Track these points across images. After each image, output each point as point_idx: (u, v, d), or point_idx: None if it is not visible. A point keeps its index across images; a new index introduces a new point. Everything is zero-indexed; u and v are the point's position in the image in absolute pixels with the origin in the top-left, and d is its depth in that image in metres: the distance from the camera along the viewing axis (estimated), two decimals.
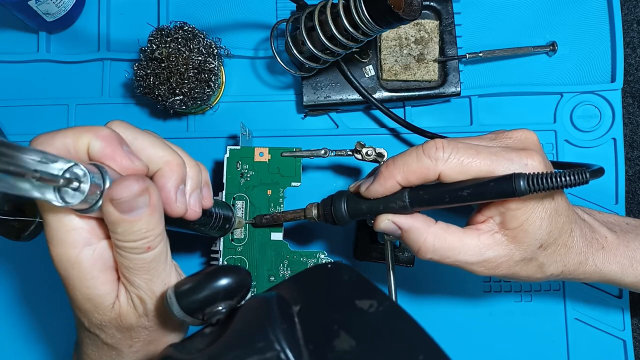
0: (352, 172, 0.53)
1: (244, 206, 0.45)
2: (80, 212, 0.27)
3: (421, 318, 0.54)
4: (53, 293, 0.52)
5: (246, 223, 0.44)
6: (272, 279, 0.45)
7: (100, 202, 0.27)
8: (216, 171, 0.53)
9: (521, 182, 0.31)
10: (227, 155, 0.45)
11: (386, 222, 0.36)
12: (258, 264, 0.45)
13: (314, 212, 0.40)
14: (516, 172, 0.31)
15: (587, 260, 0.37)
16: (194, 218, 0.33)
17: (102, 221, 0.28)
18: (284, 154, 0.45)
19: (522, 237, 0.34)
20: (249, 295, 0.29)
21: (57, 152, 0.27)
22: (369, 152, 0.44)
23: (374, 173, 0.36)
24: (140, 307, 0.30)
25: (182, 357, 0.25)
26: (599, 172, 0.32)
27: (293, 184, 0.45)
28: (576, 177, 0.30)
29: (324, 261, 0.45)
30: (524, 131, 0.35)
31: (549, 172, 0.31)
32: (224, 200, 0.45)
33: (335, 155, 0.45)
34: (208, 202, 0.35)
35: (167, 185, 0.30)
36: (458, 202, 0.33)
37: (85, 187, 0.26)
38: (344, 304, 0.26)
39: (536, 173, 0.31)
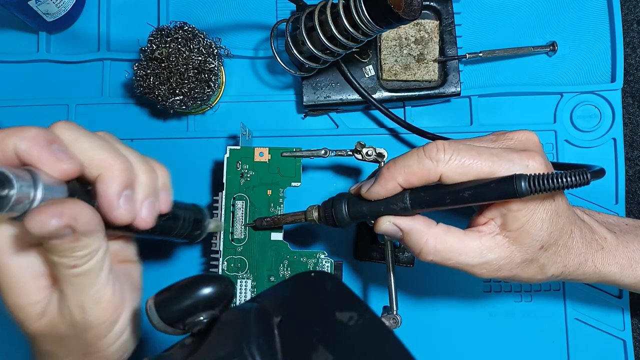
0: (352, 172, 0.53)
1: (244, 206, 0.45)
2: (12, 219, 0.26)
3: (421, 318, 0.54)
4: None
5: (246, 225, 0.44)
6: (272, 279, 0.45)
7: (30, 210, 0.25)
8: (216, 171, 0.53)
9: (522, 183, 0.31)
10: (227, 155, 0.45)
11: (387, 224, 0.36)
12: (258, 264, 0.45)
13: (315, 214, 0.40)
14: (517, 173, 0.32)
15: (587, 261, 0.38)
16: (144, 227, 0.32)
17: None
18: (284, 154, 0.45)
19: (523, 239, 0.34)
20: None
21: None
22: (369, 152, 0.44)
23: (375, 175, 0.36)
24: (67, 318, 0.30)
25: None
26: (600, 172, 0.32)
27: (293, 184, 0.45)
28: (577, 178, 0.30)
29: (324, 261, 0.45)
30: (525, 132, 0.35)
31: (550, 173, 0.31)
32: (220, 213, 0.44)
33: (335, 155, 0.45)
34: (164, 207, 0.34)
35: (108, 192, 0.29)
36: (459, 203, 0.33)
37: (12, 195, 0.25)
38: (324, 315, 0.25)
39: (537, 174, 0.31)
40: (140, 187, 0.31)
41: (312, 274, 0.27)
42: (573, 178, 0.30)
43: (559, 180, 0.30)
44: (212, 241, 0.46)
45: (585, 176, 0.30)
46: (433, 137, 0.49)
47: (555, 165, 0.43)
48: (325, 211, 0.39)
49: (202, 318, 0.27)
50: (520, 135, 0.35)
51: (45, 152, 0.27)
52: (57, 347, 0.31)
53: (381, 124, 0.53)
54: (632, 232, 0.40)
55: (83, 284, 0.29)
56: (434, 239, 0.35)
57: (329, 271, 0.45)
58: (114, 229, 0.32)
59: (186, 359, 0.25)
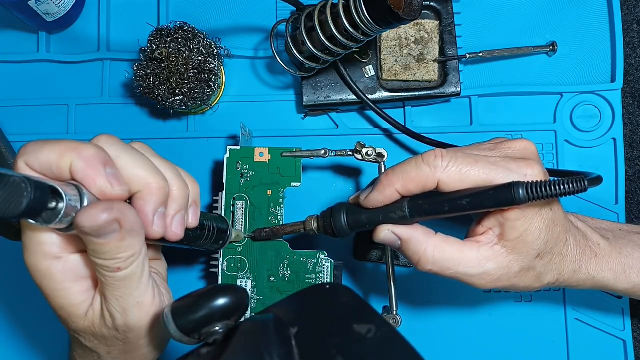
0: (352, 173, 0.53)
1: (244, 206, 0.45)
2: (59, 230, 0.28)
3: (421, 318, 0.54)
4: None
5: (246, 237, 0.45)
6: (272, 279, 0.45)
7: None
8: (216, 171, 0.53)
9: (520, 191, 0.31)
10: (227, 155, 0.45)
11: (386, 232, 0.36)
12: (258, 264, 0.45)
13: (314, 224, 0.40)
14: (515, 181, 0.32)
15: (581, 269, 0.38)
16: (174, 240, 0.33)
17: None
18: (284, 154, 0.45)
19: (520, 248, 0.34)
20: (248, 313, 0.29)
21: (41, 167, 0.27)
22: (369, 153, 0.44)
23: (373, 183, 0.36)
24: (110, 321, 0.31)
25: None
26: (597, 180, 0.32)
27: (293, 184, 0.45)
28: (575, 185, 0.30)
29: (324, 261, 0.45)
30: (523, 141, 0.36)
31: (547, 180, 0.31)
32: (219, 213, 0.45)
33: (335, 155, 0.45)
34: (193, 222, 0.35)
35: (145, 209, 0.30)
36: (458, 211, 0.33)
37: (61, 208, 0.26)
38: (341, 327, 0.25)
39: (535, 181, 0.31)
40: (172, 203, 0.32)
41: (327, 286, 0.28)
42: (570, 185, 0.30)
43: (557, 187, 0.30)
44: None
45: (582, 183, 0.30)
46: (430, 142, 0.49)
47: (553, 172, 0.43)
48: (324, 221, 0.39)
49: (217, 328, 0.27)
50: (518, 144, 0.35)
51: (100, 175, 0.27)
52: (98, 344, 0.32)
53: (381, 124, 0.53)
54: (625, 238, 0.40)
55: (126, 288, 0.30)
56: (432, 248, 0.35)
57: (329, 271, 0.45)
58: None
59: None
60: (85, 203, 0.27)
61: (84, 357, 0.34)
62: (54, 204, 0.26)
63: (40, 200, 0.25)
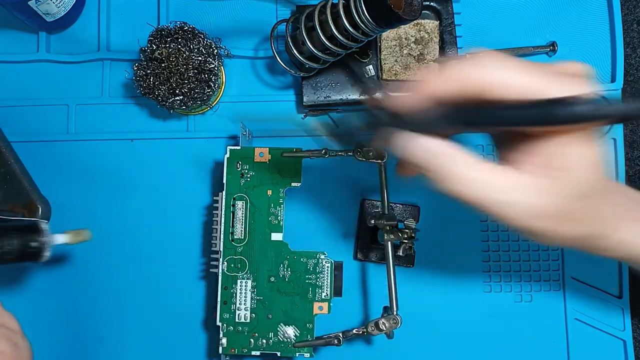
0: (352, 173, 0.53)
1: (244, 206, 0.45)
2: None
3: (421, 318, 0.54)
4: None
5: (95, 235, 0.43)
6: (272, 279, 0.45)
7: None
8: (216, 171, 0.53)
9: (583, 105, 0.25)
10: (227, 155, 0.45)
11: (409, 140, 0.30)
12: (258, 264, 0.45)
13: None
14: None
15: (629, 228, 0.33)
16: None
17: None
18: (284, 154, 0.45)
19: (564, 179, 0.29)
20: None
21: None
22: (369, 153, 0.44)
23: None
24: None
25: None
26: None
27: (293, 184, 0.45)
28: None
29: (324, 261, 0.45)
30: (577, 63, 0.30)
31: (612, 98, 0.26)
32: (219, 213, 0.44)
33: (335, 155, 0.45)
34: None
35: None
36: (503, 124, 0.28)
37: None
38: None
39: (600, 96, 0.26)
40: None
41: None
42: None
43: (627, 104, 0.25)
44: (212, 241, 0.46)
45: None
46: None
47: None
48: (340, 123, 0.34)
49: None
50: (572, 65, 0.30)
51: None
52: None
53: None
54: None
55: None
56: (462, 165, 0.29)
57: (329, 271, 0.45)
58: None
59: None
60: None
61: None
62: None
63: None
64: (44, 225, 0.40)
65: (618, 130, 0.52)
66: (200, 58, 0.47)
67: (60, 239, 0.41)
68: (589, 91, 0.27)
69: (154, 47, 0.47)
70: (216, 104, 0.53)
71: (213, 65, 0.48)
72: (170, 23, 0.48)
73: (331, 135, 0.40)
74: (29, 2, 0.47)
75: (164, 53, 0.47)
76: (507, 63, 0.28)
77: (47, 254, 0.40)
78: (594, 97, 0.25)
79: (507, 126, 0.28)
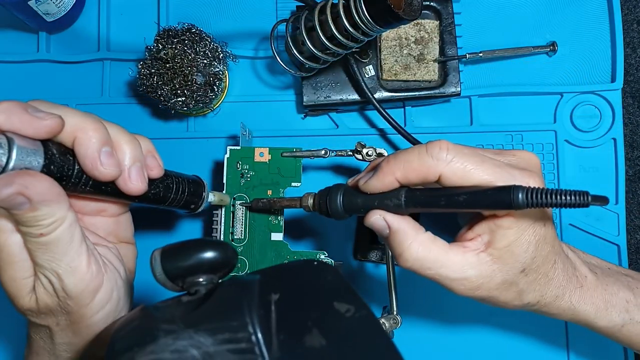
0: (352, 173, 0.53)
1: (244, 206, 0.45)
2: None
3: (421, 318, 0.54)
4: None
5: (242, 205, 0.44)
6: None
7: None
8: (216, 171, 0.53)
9: (520, 195, 0.30)
10: (227, 155, 0.45)
11: (377, 217, 0.35)
12: (258, 264, 0.45)
13: (310, 201, 0.40)
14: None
15: (564, 295, 0.37)
16: (137, 192, 0.33)
17: None
18: (284, 154, 0.45)
19: (507, 258, 0.34)
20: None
21: None
22: (369, 153, 0.44)
23: (374, 168, 0.36)
24: (49, 287, 0.31)
25: (159, 316, 0.26)
26: (602, 199, 0.30)
27: (293, 184, 0.45)
28: (577, 197, 0.29)
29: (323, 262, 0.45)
30: (528, 153, 0.35)
31: (549, 188, 0.30)
32: (220, 213, 0.44)
33: (335, 155, 0.45)
34: (156, 172, 0.35)
35: (87, 152, 0.30)
36: (454, 207, 0.33)
37: None
38: (322, 302, 0.26)
39: (537, 187, 0.30)
40: (124, 155, 0.33)
41: (315, 263, 0.28)
42: (573, 197, 0.29)
43: (558, 197, 0.29)
44: None
45: (585, 197, 0.29)
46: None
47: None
48: (320, 199, 0.39)
49: (201, 279, 0.28)
50: (523, 155, 0.35)
51: (25, 115, 0.28)
52: (45, 317, 0.33)
53: (382, 124, 0.53)
54: (613, 276, 0.40)
55: (54, 252, 0.30)
56: (418, 244, 0.34)
57: None
58: (108, 194, 0.33)
59: (187, 315, 0.25)
60: (14, 151, 0.27)
61: (37, 333, 0.35)
62: None
63: None
64: (206, 182, 0.42)
65: (618, 130, 0.52)
66: (205, 61, 0.47)
67: (211, 196, 0.42)
68: (535, 184, 0.32)
69: (160, 47, 0.47)
70: (217, 107, 0.53)
71: (218, 69, 0.48)
72: (178, 24, 0.48)
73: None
74: (29, 2, 0.47)
75: (169, 53, 0.47)
76: (461, 157, 0.32)
77: (203, 206, 0.42)
78: (533, 188, 0.30)
79: (458, 209, 0.33)
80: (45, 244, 0.30)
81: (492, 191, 0.31)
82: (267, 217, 0.45)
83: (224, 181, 0.45)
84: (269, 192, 0.45)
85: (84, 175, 0.31)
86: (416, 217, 0.36)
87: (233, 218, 0.45)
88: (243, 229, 0.45)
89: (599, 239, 0.52)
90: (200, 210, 0.42)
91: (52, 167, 0.29)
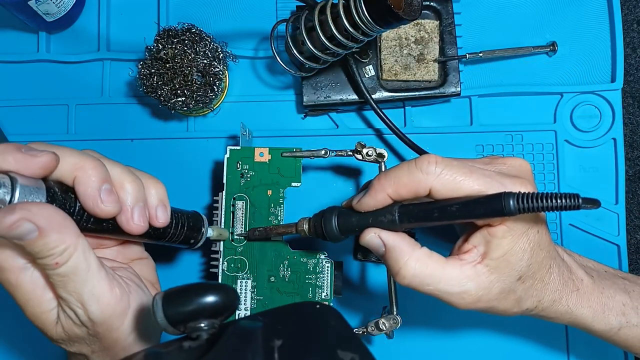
0: (352, 173, 0.53)
1: (244, 206, 0.45)
2: None
3: (421, 319, 0.54)
4: None
5: (240, 236, 0.44)
6: (272, 279, 0.45)
7: None
8: (216, 171, 0.53)
9: (511, 201, 0.30)
10: (227, 155, 0.45)
11: (372, 235, 0.35)
12: (258, 264, 0.45)
13: (305, 226, 0.40)
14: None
15: (561, 300, 0.37)
16: (139, 232, 0.34)
17: None
18: (284, 154, 0.45)
19: (503, 268, 0.34)
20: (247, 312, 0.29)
21: None
22: (369, 153, 0.44)
23: (367, 186, 0.36)
24: (75, 318, 0.32)
25: None
26: (593, 202, 0.30)
27: (293, 184, 0.45)
28: (568, 200, 0.29)
29: (324, 261, 0.45)
30: (518, 159, 0.36)
31: (539, 192, 0.30)
32: (220, 213, 0.45)
33: (335, 155, 0.45)
34: (162, 222, 0.36)
35: (88, 191, 0.31)
36: (447, 218, 0.33)
37: None
38: (325, 350, 0.26)
39: (527, 192, 0.30)
40: (127, 194, 0.33)
41: (318, 306, 0.28)
42: (563, 200, 0.29)
43: (549, 200, 0.29)
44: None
45: (576, 200, 0.29)
46: (420, 151, 0.49)
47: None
48: (315, 223, 0.39)
49: (203, 325, 0.28)
50: (514, 162, 0.35)
51: (19, 154, 0.29)
52: (79, 346, 0.33)
53: (381, 125, 0.53)
54: (609, 279, 0.40)
55: (73, 282, 0.30)
56: (415, 261, 0.34)
57: (329, 271, 0.45)
58: (109, 232, 0.34)
59: None
60: (17, 190, 0.28)
61: None
62: None
63: None
64: (204, 217, 0.42)
65: (618, 130, 0.52)
66: (205, 61, 0.47)
67: (210, 231, 0.43)
68: (526, 189, 0.32)
69: (160, 46, 0.47)
70: (217, 107, 0.53)
71: (218, 69, 0.48)
72: (178, 24, 0.48)
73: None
74: (29, 2, 0.47)
75: (169, 53, 0.47)
76: (450, 169, 0.33)
77: (202, 241, 0.42)
78: (524, 193, 0.30)
79: (451, 220, 0.33)
80: (64, 275, 0.30)
81: (483, 200, 0.32)
82: (267, 217, 0.45)
83: (224, 181, 0.45)
84: (269, 192, 0.45)
85: (85, 213, 0.32)
86: (412, 234, 0.36)
87: (233, 218, 0.45)
88: (243, 229, 0.45)
89: (599, 239, 0.52)
90: (199, 245, 0.42)
91: (54, 204, 0.30)
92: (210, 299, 0.28)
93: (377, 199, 0.35)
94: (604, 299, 0.39)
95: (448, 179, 0.33)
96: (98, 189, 0.31)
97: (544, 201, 0.30)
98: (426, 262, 0.34)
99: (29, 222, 0.28)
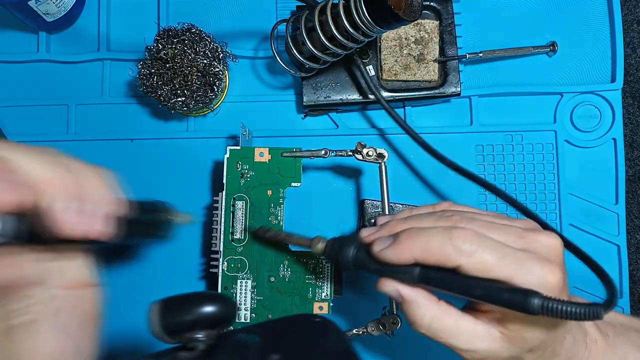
0: (352, 173, 0.53)
1: (244, 206, 0.45)
2: None
3: None
4: None
5: (247, 230, 0.44)
6: (272, 279, 0.45)
7: None
8: (216, 171, 0.53)
9: (535, 302, 0.30)
10: (227, 155, 0.45)
11: (391, 287, 0.35)
12: (258, 264, 0.45)
13: (320, 246, 0.39)
14: (533, 289, 0.31)
15: None
16: (104, 238, 0.30)
17: None
18: (284, 154, 0.45)
19: (516, 340, 0.34)
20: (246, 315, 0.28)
21: None
22: (369, 153, 0.44)
23: (391, 226, 0.36)
24: None
25: None
26: (610, 303, 0.31)
27: (293, 184, 0.45)
28: (590, 312, 0.29)
29: (324, 262, 0.45)
30: (552, 238, 0.34)
31: (564, 300, 0.30)
32: (220, 213, 0.44)
33: (335, 155, 0.45)
34: (119, 213, 0.31)
35: (54, 214, 0.27)
36: (467, 296, 0.33)
37: None
38: None
39: (553, 298, 0.30)
40: (89, 201, 0.29)
41: (317, 319, 0.28)
42: (586, 311, 0.29)
43: (572, 310, 0.29)
44: (212, 241, 0.46)
45: (599, 312, 0.29)
46: (424, 146, 0.48)
47: (573, 249, 0.42)
48: (331, 250, 0.38)
49: (199, 336, 0.27)
50: (547, 241, 0.34)
51: None
52: None
53: (382, 124, 0.53)
54: (624, 335, 0.40)
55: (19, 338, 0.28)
56: (430, 317, 0.34)
57: (329, 272, 0.45)
58: (68, 243, 0.29)
59: None
60: None
61: None
62: None
63: None
64: (169, 205, 0.41)
65: (618, 130, 0.52)
66: (205, 61, 0.47)
67: (177, 219, 0.42)
68: (555, 279, 0.32)
69: (160, 46, 0.47)
70: (217, 107, 0.53)
71: (218, 69, 0.48)
72: (178, 24, 0.48)
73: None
74: (29, 2, 0.47)
75: (169, 53, 0.47)
76: (483, 251, 0.32)
77: (172, 230, 0.41)
78: (550, 299, 0.30)
79: (472, 298, 0.33)
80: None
81: (508, 293, 0.31)
82: (267, 217, 0.45)
83: (224, 181, 0.45)
84: (269, 193, 0.45)
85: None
86: None
87: (233, 218, 0.45)
88: (243, 229, 0.45)
89: (599, 239, 0.52)
90: (168, 236, 0.40)
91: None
92: (208, 309, 0.27)
93: (401, 258, 0.34)
94: (615, 358, 0.38)
95: (478, 261, 0.32)
96: (64, 209, 0.27)
97: (568, 311, 0.30)
98: (441, 318, 0.35)
99: None
